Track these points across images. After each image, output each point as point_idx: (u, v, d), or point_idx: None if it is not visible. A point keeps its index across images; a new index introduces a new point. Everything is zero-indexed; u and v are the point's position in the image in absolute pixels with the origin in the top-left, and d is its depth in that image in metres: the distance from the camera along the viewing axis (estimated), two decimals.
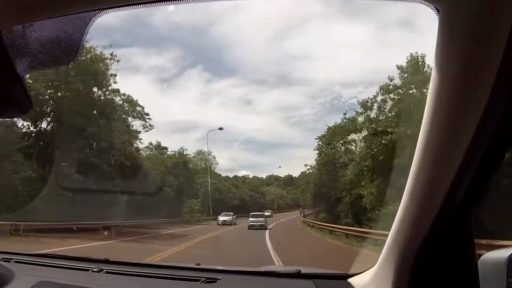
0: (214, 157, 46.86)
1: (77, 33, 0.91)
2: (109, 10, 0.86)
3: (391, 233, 1.34)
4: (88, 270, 2.23)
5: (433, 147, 1.04)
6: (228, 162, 46.05)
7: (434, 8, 0.86)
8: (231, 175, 55.44)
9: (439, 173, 1.07)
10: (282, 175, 62.65)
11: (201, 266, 2.33)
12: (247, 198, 51.59)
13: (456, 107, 0.95)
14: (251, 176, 59.01)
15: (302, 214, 40.88)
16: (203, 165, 44.76)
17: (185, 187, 36.94)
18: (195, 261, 2.54)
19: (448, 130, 1.00)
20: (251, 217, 26.54)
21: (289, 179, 61.39)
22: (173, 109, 56.03)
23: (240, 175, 57.06)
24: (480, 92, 0.89)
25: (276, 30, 69.62)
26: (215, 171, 47.60)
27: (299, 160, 74.70)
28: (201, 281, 1.99)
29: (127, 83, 48.05)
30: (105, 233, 14.88)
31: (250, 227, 24.47)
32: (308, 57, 67.69)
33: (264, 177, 60.28)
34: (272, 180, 59.66)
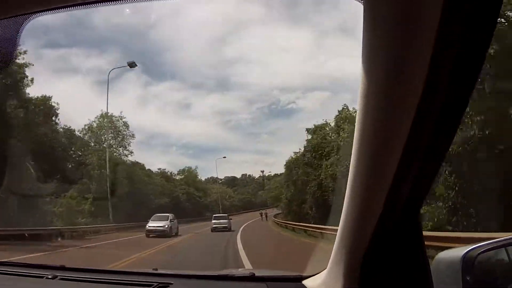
0: (127, 125, 33.51)
1: (10, 37, 0.87)
2: (43, 12, 0.82)
3: (338, 235, 1.34)
4: (42, 277, 2.19)
5: (367, 149, 1.03)
6: (166, 167, 43.83)
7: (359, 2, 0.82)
8: None
9: (376, 175, 1.07)
10: (222, 177, 61.05)
11: (156, 271, 2.34)
12: (181, 197, 39.23)
13: (386, 108, 0.93)
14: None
15: (265, 217, 38.96)
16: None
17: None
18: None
19: (380, 131, 0.98)
20: (214, 219, 25.89)
21: (232, 180, 62.29)
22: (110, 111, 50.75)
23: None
24: (411, 91, 0.87)
25: (216, 34, 70.31)
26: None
27: (239, 164, 74.85)
28: (153, 286, 1.98)
29: (63, 84, 45.29)
30: None
31: (214, 230, 24.04)
32: (246, 61, 69.47)
33: (203, 179, 54.63)
34: (211, 181, 55.74)
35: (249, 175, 67.78)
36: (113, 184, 25.99)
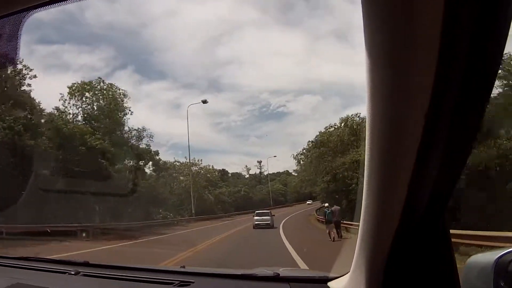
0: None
1: (11, 35, 0.85)
2: (40, 8, 0.79)
3: (358, 238, 1.29)
4: (65, 273, 2.24)
5: (379, 149, 0.99)
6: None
7: None
8: None
9: (392, 176, 1.02)
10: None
11: (180, 269, 2.34)
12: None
13: (397, 106, 0.89)
14: None
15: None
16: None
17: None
18: None
19: (391, 130, 0.94)
20: (256, 215, 25.03)
21: (222, 174, 57.19)
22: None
23: None
24: (421, 88, 0.82)
25: (209, 35, 71.13)
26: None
27: (227, 165, 76.05)
28: (174, 284, 1.97)
29: (55, 80, 44.83)
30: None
31: (256, 226, 23.27)
32: (239, 63, 70.52)
33: None
34: None
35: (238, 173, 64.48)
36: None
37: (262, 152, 74.57)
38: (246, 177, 62.61)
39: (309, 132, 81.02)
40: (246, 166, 64.31)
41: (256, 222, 23.89)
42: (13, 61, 0.92)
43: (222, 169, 56.68)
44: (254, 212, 27.28)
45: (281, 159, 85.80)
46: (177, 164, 41.70)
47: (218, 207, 45.20)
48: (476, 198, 10.86)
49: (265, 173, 63.63)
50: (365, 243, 1.24)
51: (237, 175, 60.27)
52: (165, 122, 59.87)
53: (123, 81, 58.70)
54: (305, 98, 77.72)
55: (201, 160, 44.33)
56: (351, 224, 16.68)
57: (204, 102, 39.99)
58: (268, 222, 23.92)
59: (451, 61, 0.77)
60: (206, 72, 64.51)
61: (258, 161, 64.09)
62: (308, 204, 51.28)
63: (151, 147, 34.10)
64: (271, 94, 74.32)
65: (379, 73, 0.85)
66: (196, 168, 43.31)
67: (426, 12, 0.72)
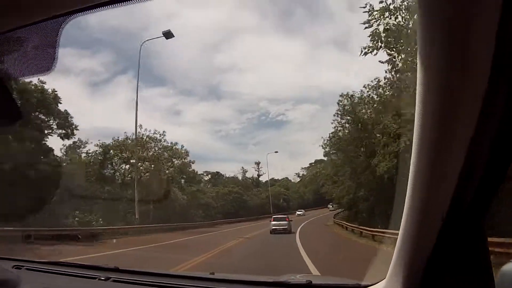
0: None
1: (50, 40, 0.88)
2: (79, 13, 0.82)
3: (398, 243, 1.26)
4: (95, 278, 2.23)
5: (427, 151, 0.98)
6: None
7: None
8: None
9: (439, 179, 1.01)
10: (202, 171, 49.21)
11: (210, 276, 2.30)
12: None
13: (448, 108, 0.88)
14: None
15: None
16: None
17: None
18: None
19: (441, 132, 0.93)
20: (274, 220, 24.23)
21: (216, 175, 52.54)
22: (99, 114, 47.76)
23: None
24: (473, 91, 0.82)
25: (209, 41, 70.77)
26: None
27: (226, 173, 72.23)
28: None
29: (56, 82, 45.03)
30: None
31: (273, 232, 22.62)
32: (238, 71, 69.43)
33: None
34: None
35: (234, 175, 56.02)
36: None
37: (261, 160, 72.69)
38: (239, 179, 54.34)
39: (307, 141, 79.96)
40: (243, 167, 57.12)
41: (273, 227, 23.17)
42: (52, 66, 0.96)
43: (216, 172, 51.71)
44: (252, 217, 27.13)
45: (279, 166, 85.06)
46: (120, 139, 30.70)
47: (198, 212, 35.58)
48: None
49: (264, 176, 58.36)
50: (406, 247, 1.21)
51: (232, 179, 52.46)
52: (164, 129, 58.19)
53: (122, 87, 57.71)
54: (304, 107, 78.45)
55: (163, 133, 32.84)
56: (383, 232, 14.53)
57: (167, 35, 27.00)
58: (286, 227, 23.22)
59: (504, 66, 0.78)
60: (206, 78, 65.05)
61: (256, 163, 58.23)
62: (331, 210, 47.74)
63: None
64: (270, 103, 74.50)
65: (431, 73, 0.86)
66: (156, 148, 32.51)
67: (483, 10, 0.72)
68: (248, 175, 56.98)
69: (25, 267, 2.47)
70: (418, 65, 0.87)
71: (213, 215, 37.29)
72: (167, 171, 32.58)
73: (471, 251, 1.16)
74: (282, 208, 49.01)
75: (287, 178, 60.97)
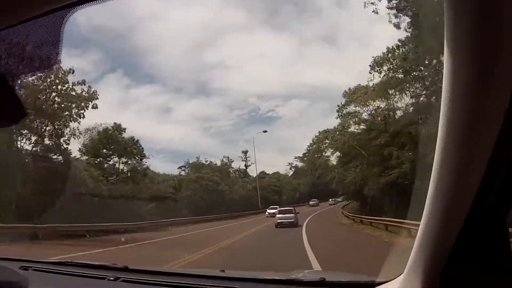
0: None
1: (53, 34, 0.85)
2: (81, 6, 0.79)
3: (418, 237, 1.22)
4: (104, 278, 2.21)
5: (453, 148, 0.95)
6: None
7: None
8: None
9: (464, 175, 0.98)
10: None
11: (223, 274, 2.26)
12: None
13: (474, 107, 0.88)
14: None
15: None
16: None
17: None
18: None
19: (468, 129, 0.92)
20: (279, 213, 22.98)
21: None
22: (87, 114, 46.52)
23: None
24: (500, 94, 0.82)
25: (197, 39, 68.91)
26: None
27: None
28: None
29: None
30: None
31: (279, 225, 21.44)
32: (226, 67, 68.43)
33: None
34: None
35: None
36: None
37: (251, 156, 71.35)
38: (216, 165, 43.62)
39: (298, 137, 79.87)
40: (228, 157, 47.01)
41: (279, 220, 21.93)
42: (53, 64, 0.93)
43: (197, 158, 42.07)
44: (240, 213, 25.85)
45: (270, 163, 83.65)
46: None
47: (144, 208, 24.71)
48: None
49: (252, 167, 50.58)
50: (427, 241, 1.18)
51: (209, 166, 42.00)
52: (154, 127, 55.21)
53: (112, 86, 53.51)
54: (294, 103, 76.57)
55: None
56: (402, 222, 13.13)
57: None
58: (292, 220, 21.91)
59: None
60: (195, 76, 63.61)
61: (243, 151, 49.53)
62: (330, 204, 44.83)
63: None
64: (259, 99, 73.16)
65: (459, 76, 0.86)
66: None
67: None
68: (235, 165, 48.65)
69: (32, 267, 2.45)
70: (445, 66, 0.87)
71: (175, 211, 28.24)
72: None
73: (494, 247, 1.13)
74: (272, 202, 39.92)
75: (278, 172, 56.81)
